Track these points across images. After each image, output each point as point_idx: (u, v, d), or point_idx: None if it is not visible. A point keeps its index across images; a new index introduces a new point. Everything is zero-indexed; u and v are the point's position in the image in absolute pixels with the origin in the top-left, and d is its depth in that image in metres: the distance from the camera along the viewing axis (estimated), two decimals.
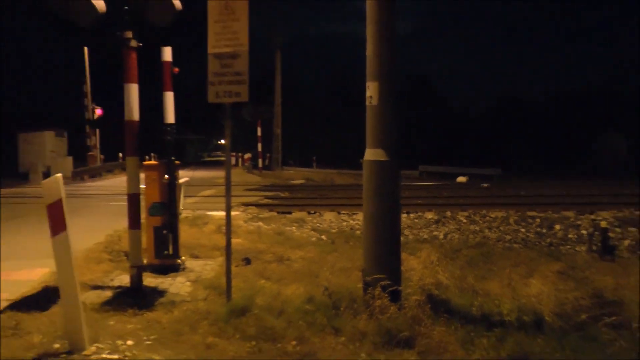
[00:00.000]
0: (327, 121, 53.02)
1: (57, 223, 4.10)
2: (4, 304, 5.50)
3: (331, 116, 52.93)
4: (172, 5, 5.14)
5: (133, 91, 5.62)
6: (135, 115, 5.67)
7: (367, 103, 5.08)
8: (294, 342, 4.30)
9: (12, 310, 5.14)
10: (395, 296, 4.81)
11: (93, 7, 5.20)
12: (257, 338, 4.37)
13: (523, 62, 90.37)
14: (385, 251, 5.06)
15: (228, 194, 5.23)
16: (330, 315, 4.72)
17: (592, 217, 11.94)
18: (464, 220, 11.88)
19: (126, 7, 5.33)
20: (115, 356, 4.09)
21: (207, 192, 18.16)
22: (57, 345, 4.26)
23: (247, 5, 4.92)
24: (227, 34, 4.93)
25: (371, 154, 5.06)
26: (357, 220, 11.93)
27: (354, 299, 5.01)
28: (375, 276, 4.89)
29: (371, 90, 5.02)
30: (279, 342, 4.32)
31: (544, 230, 10.70)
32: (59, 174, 4.26)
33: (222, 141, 75.05)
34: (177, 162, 6.69)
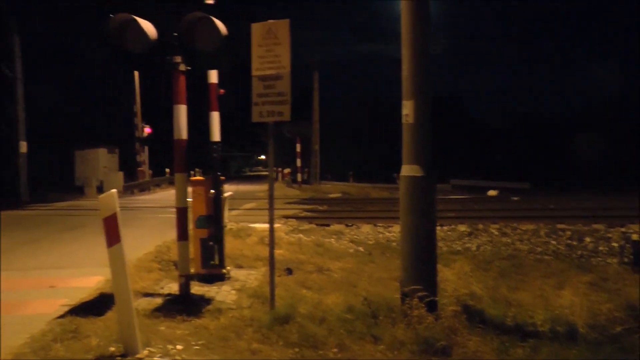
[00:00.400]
0: (362, 137, 53.40)
1: (113, 235, 4.33)
2: (64, 309, 5.87)
3: (366, 132, 53.30)
4: (219, 31, 5.38)
5: (182, 112, 5.92)
6: (184, 134, 5.96)
7: (403, 121, 5.25)
8: (335, 350, 4.46)
9: (72, 315, 5.47)
10: (431, 306, 4.95)
11: (146, 35, 5.54)
12: (300, 345, 4.54)
13: (548, 78, 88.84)
14: (421, 263, 5.21)
15: (271, 208, 5.45)
16: (369, 324, 4.87)
17: (623, 229, 11.82)
18: (496, 233, 11.92)
19: (175, 34, 5.64)
20: (167, 359, 4.32)
21: (249, 205, 18.55)
22: (112, 349, 4.52)
23: (289, 29, 5.17)
24: (270, 57, 5.17)
25: (407, 169, 5.23)
26: (392, 232, 12.10)
27: (392, 309, 5.15)
28: (413, 287, 5.05)
29: (407, 108, 5.20)
30: (320, 349, 4.48)
31: (575, 243, 10.68)
32: (114, 190, 4.52)
33: (263, 157, 76.30)
34: (222, 177, 6.99)
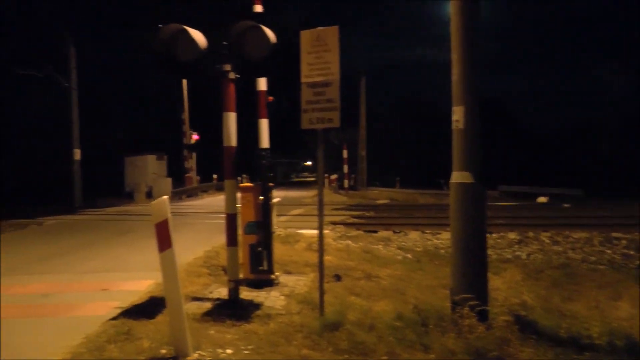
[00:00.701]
0: (409, 143, 53.04)
1: (164, 240, 4.42)
2: (117, 311, 6.03)
3: (413, 138, 52.94)
4: (268, 39, 5.45)
5: (231, 119, 6.01)
6: (233, 141, 6.05)
7: (453, 127, 5.19)
8: (384, 357, 4.42)
9: (124, 317, 5.62)
10: (482, 316, 4.87)
11: (196, 44, 5.65)
12: (350, 352, 4.52)
13: (601, 80, 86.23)
14: (472, 271, 5.12)
15: (321, 214, 5.46)
16: (419, 332, 4.81)
17: None
18: (547, 241, 11.57)
19: (225, 43, 5.73)
20: None
21: (297, 211, 18.65)
22: (163, 351, 4.62)
23: (338, 36, 5.18)
24: (319, 63, 5.19)
25: (458, 176, 5.16)
26: (441, 239, 11.94)
27: (442, 317, 5.08)
28: (463, 296, 4.98)
29: (457, 114, 5.14)
30: (370, 356, 4.45)
31: (631, 252, 10.22)
32: (166, 196, 4.60)
33: (309, 163, 76.71)
34: (270, 183, 7.04)
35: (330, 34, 5.17)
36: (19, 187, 31.20)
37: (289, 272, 7.82)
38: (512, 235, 12.10)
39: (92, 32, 32.66)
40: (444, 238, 12.03)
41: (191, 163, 33.12)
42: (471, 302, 4.89)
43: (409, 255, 9.87)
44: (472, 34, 5.12)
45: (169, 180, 29.80)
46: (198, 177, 34.24)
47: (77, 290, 7.35)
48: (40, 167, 35.59)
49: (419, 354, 4.48)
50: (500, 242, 11.45)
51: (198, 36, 5.70)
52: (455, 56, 5.14)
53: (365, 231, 13.07)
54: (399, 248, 10.84)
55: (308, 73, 5.25)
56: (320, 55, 5.18)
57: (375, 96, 44.38)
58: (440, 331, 4.83)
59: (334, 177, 37.43)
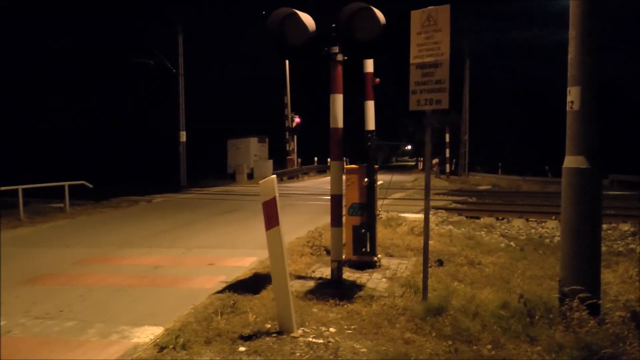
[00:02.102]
0: (513, 127, 50.89)
1: (271, 218, 4.54)
2: (222, 285, 6.30)
3: (518, 123, 50.72)
4: (378, 20, 5.39)
5: (338, 101, 6.02)
6: (340, 123, 6.07)
7: (568, 108, 4.92)
8: (489, 346, 4.32)
9: (230, 292, 5.84)
10: (594, 309, 4.61)
11: (305, 27, 5.70)
12: (453, 338, 4.46)
13: None
14: (583, 262, 4.86)
15: (427, 197, 5.40)
16: (525, 323, 4.65)
17: None
18: None
19: (334, 25, 5.73)
20: (320, 341, 4.43)
21: (398, 195, 18.57)
22: (268, 325, 4.76)
23: (449, 15, 5.05)
24: (429, 44, 5.08)
25: (571, 161, 4.89)
26: (546, 228, 11.51)
27: (549, 309, 4.89)
28: (573, 287, 4.73)
29: (572, 95, 4.87)
30: (474, 344, 4.37)
31: None
32: (274, 176, 4.72)
33: (409, 147, 75.95)
34: (376, 166, 7.02)
35: (442, 13, 5.04)
36: (131, 167, 33.26)
37: (390, 255, 7.81)
38: (625, 227, 11.37)
39: (198, 18, 33.82)
40: (549, 227, 11.58)
41: (292, 145, 33.75)
42: (581, 295, 4.64)
43: (512, 244, 9.58)
44: (592, 9, 4.81)
45: (270, 162, 30.58)
46: (299, 160, 34.85)
47: (185, 264, 7.73)
48: (151, 149, 37.76)
49: (524, 345, 4.34)
50: (612, 234, 10.80)
51: (307, 19, 5.76)
52: (573, 33, 4.86)
53: (467, 217, 12.84)
54: (502, 235, 10.56)
55: (417, 54, 5.16)
56: (430, 36, 5.08)
57: (480, 78, 42.80)
58: (547, 323, 4.65)
59: (435, 161, 36.77)
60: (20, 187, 13.24)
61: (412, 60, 5.19)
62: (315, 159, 36.78)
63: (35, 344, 4.66)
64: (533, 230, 11.35)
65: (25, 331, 4.99)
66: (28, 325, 5.14)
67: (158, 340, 4.49)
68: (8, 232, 11.29)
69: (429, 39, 5.07)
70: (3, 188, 12.92)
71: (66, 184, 14.67)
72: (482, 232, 10.66)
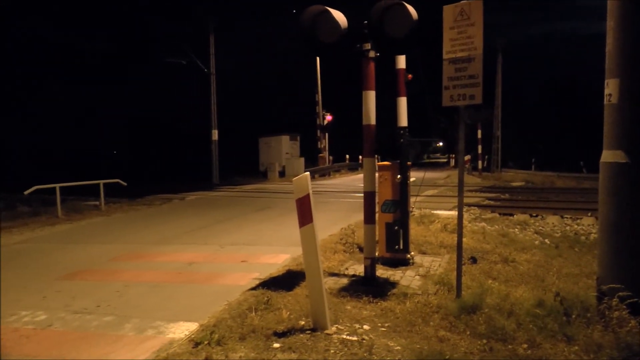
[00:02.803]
0: (547, 123, 49.97)
1: (305, 215, 4.51)
2: (256, 282, 6.34)
3: (552, 118, 49.77)
4: (410, 16, 5.35)
5: (370, 98, 6.00)
6: (373, 120, 6.05)
7: (605, 101, 4.80)
8: (524, 345, 4.25)
9: (263, 288, 5.87)
10: (635, 309, 4.47)
11: (338, 24, 5.69)
12: (488, 337, 4.40)
13: None
14: (624, 260, 4.72)
15: (460, 194, 5.34)
16: (561, 322, 4.56)
17: None
18: None
19: (366, 22, 5.71)
20: (354, 338, 4.41)
21: (430, 192, 18.46)
22: (302, 322, 4.77)
23: (482, 9, 4.98)
24: (462, 39, 5.02)
25: (609, 155, 4.77)
26: (581, 225, 11.32)
27: (587, 308, 4.77)
28: (612, 285, 4.61)
29: (610, 87, 4.75)
30: (509, 343, 4.30)
31: None
32: (307, 173, 4.70)
33: (440, 143, 75.29)
34: (408, 163, 6.98)
35: (475, 8, 4.97)
36: (164, 165, 33.75)
37: (423, 253, 7.76)
38: None
39: (229, 17, 34.15)
40: (585, 224, 11.38)
41: (324, 143, 33.81)
42: (621, 293, 4.51)
43: (547, 241, 9.43)
44: None
45: (302, 160, 30.66)
46: (331, 157, 34.89)
47: (219, 261, 7.80)
48: (183, 147, 38.28)
49: (561, 344, 4.26)
50: None
51: (339, 16, 5.75)
52: (611, 23, 4.73)
53: (500, 214, 12.68)
54: (537, 232, 10.41)
55: (450, 49, 5.10)
56: (463, 30, 5.01)
57: (513, 73, 42.13)
58: (584, 322, 4.55)
59: (467, 158, 36.45)
60: (57, 185, 13.58)
61: (444, 56, 5.13)
62: (347, 156, 36.81)
63: (75, 337, 4.75)
64: (568, 227, 11.17)
65: (65, 325, 5.10)
66: (68, 319, 5.26)
67: (193, 336, 4.54)
68: (47, 228, 11.61)
69: (462, 34, 5.01)
70: (41, 186, 13.28)
71: (101, 182, 15.00)
72: (516, 229, 10.52)
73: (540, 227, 11.12)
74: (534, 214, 12.73)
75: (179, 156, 39.36)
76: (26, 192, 13.16)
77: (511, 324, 4.58)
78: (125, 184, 15.98)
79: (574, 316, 4.64)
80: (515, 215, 12.52)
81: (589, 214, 12.14)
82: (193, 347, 4.28)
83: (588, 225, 11.16)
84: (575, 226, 11.31)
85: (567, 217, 12.29)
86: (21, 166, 28.66)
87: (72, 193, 16.32)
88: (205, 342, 4.29)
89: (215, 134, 27.74)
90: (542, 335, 4.39)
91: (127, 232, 11.08)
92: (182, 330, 4.82)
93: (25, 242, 10.05)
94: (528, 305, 4.96)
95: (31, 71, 36.50)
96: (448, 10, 5.12)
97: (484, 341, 4.33)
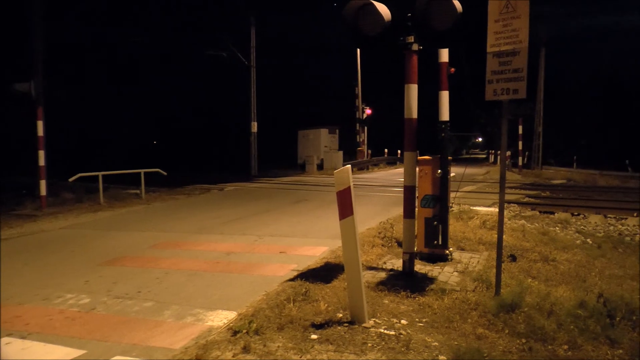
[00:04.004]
0: (590, 119, 48.67)
1: (346, 208, 4.50)
2: (294, 273, 6.38)
3: (596, 114, 48.44)
4: (454, 8, 5.28)
5: (413, 91, 5.95)
6: (414, 114, 5.99)
7: None
8: (565, 347, 4.17)
9: (301, 280, 5.91)
10: None
11: (381, 17, 5.65)
12: (527, 336, 4.34)
13: None
14: None
15: (502, 191, 5.25)
16: (604, 324, 4.47)
17: None
18: None
19: (409, 14, 5.66)
20: (392, 332, 4.40)
21: (469, 188, 18.25)
22: (340, 315, 4.78)
23: (529, 1, 4.87)
24: (507, 32, 4.93)
25: None
26: (626, 225, 11.05)
27: (632, 311, 4.69)
28: None
29: None
30: (549, 343, 4.23)
31: None
32: (349, 165, 4.68)
33: (480, 139, 74.27)
34: (449, 157, 6.90)
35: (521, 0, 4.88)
36: (204, 155, 34.20)
37: (462, 249, 7.68)
38: None
39: (270, 9, 34.28)
40: (630, 224, 11.10)
41: (363, 137, 33.72)
42: None
43: (589, 241, 9.24)
44: None
45: (340, 153, 30.62)
46: (369, 151, 34.76)
47: (257, 252, 7.87)
48: (223, 139, 38.70)
49: (604, 347, 4.17)
50: None
51: (382, 8, 5.70)
52: None
53: (541, 212, 12.48)
54: (578, 232, 10.20)
55: (494, 42, 5.01)
56: (508, 23, 4.92)
57: (557, 68, 41.12)
58: (629, 325, 4.47)
59: (507, 154, 35.85)
60: (100, 174, 13.93)
61: (488, 49, 5.04)
62: (386, 150, 36.64)
63: (117, 321, 4.87)
64: (612, 227, 10.92)
65: (108, 309, 5.24)
66: (109, 303, 5.40)
67: (231, 325, 4.59)
68: (90, 215, 11.96)
69: (507, 27, 4.92)
70: (85, 174, 13.63)
71: (142, 171, 15.29)
72: (557, 228, 10.32)
73: (582, 226, 10.89)
74: (576, 213, 12.47)
75: (218, 148, 39.80)
76: (71, 180, 13.53)
77: (551, 324, 4.50)
78: (165, 173, 16.27)
79: (618, 319, 4.56)
80: (556, 214, 12.29)
81: (635, 215, 11.83)
82: (232, 336, 4.33)
83: (633, 226, 10.88)
84: (620, 226, 11.04)
85: (610, 217, 12.00)
86: (68, 155, 29.37)
87: (114, 182, 16.73)
88: (244, 331, 4.34)
89: (254, 126, 27.95)
90: (583, 337, 4.31)
91: (167, 220, 11.26)
92: (221, 318, 4.89)
93: (70, 227, 10.35)
94: (569, 306, 4.88)
95: (82, 67, 37.41)
96: (493, 3, 5.02)
97: (523, 340, 4.28)
